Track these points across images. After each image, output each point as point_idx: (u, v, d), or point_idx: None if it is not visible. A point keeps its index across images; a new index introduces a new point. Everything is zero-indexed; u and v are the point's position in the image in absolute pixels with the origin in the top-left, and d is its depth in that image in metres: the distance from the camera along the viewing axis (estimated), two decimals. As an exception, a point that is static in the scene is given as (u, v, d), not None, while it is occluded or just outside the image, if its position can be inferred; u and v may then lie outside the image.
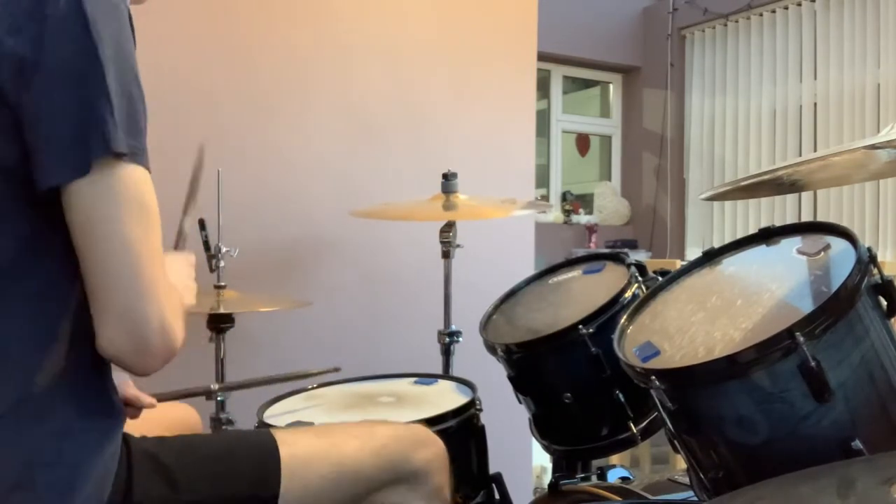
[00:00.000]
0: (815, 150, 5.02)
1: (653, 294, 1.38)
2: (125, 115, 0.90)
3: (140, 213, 0.91)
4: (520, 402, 1.74)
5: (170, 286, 0.95)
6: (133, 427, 1.17)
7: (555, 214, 5.76)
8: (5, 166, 0.89)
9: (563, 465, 1.82)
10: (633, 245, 5.70)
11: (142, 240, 0.90)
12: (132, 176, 0.91)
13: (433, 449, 1.22)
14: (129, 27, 0.94)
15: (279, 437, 1.11)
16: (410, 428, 1.27)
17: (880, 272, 1.11)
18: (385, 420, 1.32)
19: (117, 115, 0.89)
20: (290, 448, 1.09)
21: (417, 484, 1.18)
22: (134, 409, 1.28)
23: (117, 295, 0.89)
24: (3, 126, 0.88)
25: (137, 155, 0.92)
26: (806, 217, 4.97)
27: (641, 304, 1.36)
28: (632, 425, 1.56)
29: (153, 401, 1.31)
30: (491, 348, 1.66)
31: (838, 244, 1.19)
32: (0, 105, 0.87)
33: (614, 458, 2.73)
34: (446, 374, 2.04)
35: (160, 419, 1.33)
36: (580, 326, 1.52)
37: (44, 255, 0.92)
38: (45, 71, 0.87)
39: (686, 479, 1.39)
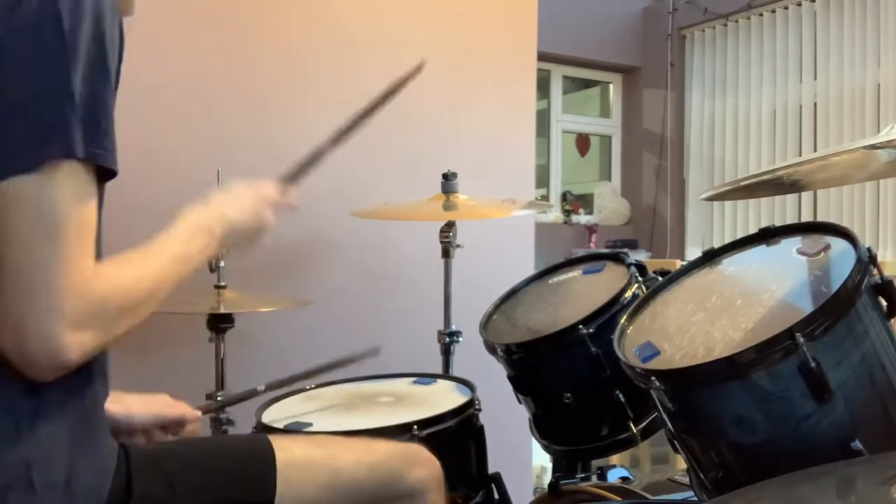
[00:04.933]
0: (815, 150, 5.02)
1: (653, 294, 1.38)
2: (88, 115, 0.88)
3: (54, 218, 0.86)
4: (520, 402, 1.74)
5: (85, 292, 0.88)
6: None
7: (555, 214, 5.76)
8: None
9: (563, 465, 1.82)
10: (633, 245, 5.69)
11: (46, 246, 0.86)
12: (68, 179, 0.87)
13: (429, 468, 1.21)
14: (109, 24, 0.92)
15: (276, 443, 1.10)
16: (407, 447, 1.27)
17: (880, 272, 1.11)
18: (384, 439, 1.30)
19: (80, 115, 0.87)
20: (287, 455, 1.09)
21: (412, 503, 1.17)
22: (181, 427, 1.27)
23: (7, 297, 0.86)
24: None
25: (96, 157, 0.88)
26: (806, 217, 4.96)
27: (641, 304, 1.36)
28: (632, 425, 1.56)
29: (198, 413, 1.31)
30: (491, 348, 1.66)
31: (838, 244, 1.19)
32: None
33: (614, 458, 2.73)
34: (445, 374, 2.04)
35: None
36: (580, 326, 1.52)
37: None
38: (6, 59, 0.85)
39: (686, 479, 1.39)
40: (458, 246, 2.13)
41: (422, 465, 1.21)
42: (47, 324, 0.86)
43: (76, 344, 0.88)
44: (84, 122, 0.87)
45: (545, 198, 5.80)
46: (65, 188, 0.87)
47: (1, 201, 0.85)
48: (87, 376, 0.96)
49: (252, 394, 1.61)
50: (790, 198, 5.06)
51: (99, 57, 0.90)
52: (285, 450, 1.10)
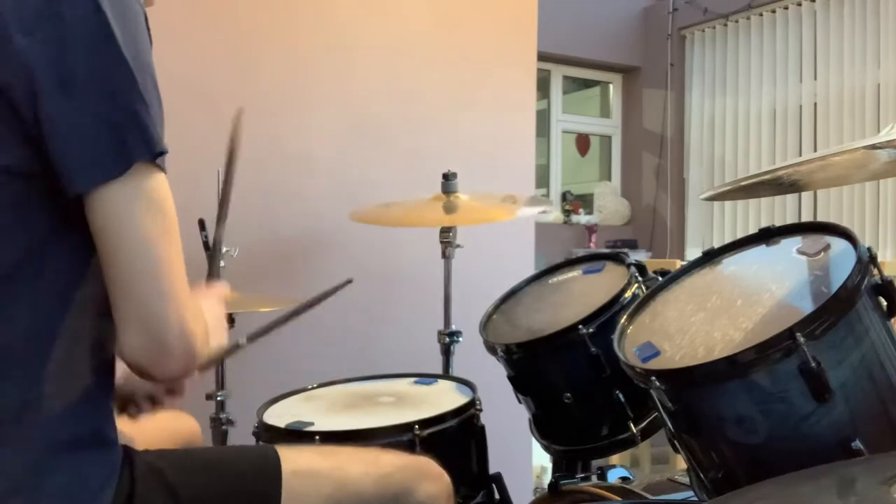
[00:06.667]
0: (815, 150, 5.02)
1: (653, 294, 1.38)
2: (153, 117, 0.89)
3: (162, 217, 0.89)
4: (520, 402, 1.74)
5: (190, 294, 0.93)
6: (134, 435, 1.17)
7: (555, 214, 5.76)
8: (27, 171, 0.87)
9: (563, 465, 1.81)
10: (633, 245, 5.70)
11: (162, 244, 0.88)
12: (158, 180, 0.90)
13: (439, 484, 1.18)
14: (145, 27, 0.93)
15: (283, 453, 1.09)
16: (418, 460, 1.23)
17: (880, 272, 1.11)
18: (393, 450, 1.26)
19: (151, 116, 0.88)
20: (293, 466, 1.08)
21: None
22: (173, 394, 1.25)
23: (138, 298, 0.88)
24: (19, 130, 0.86)
25: (163, 159, 0.91)
26: (806, 217, 4.96)
27: (641, 304, 1.36)
28: (632, 425, 1.56)
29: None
30: (491, 348, 1.66)
31: (838, 244, 1.19)
32: (12, 110, 0.85)
33: (614, 458, 2.73)
34: (446, 374, 2.04)
35: (161, 429, 1.32)
36: (580, 326, 1.52)
37: (52, 260, 0.91)
38: (69, 76, 0.84)
39: (686, 479, 1.39)
40: (458, 246, 2.13)
41: (432, 480, 1.18)
42: (180, 315, 0.89)
43: (200, 333, 0.92)
44: (154, 123, 0.89)
45: (545, 198, 5.80)
46: (157, 183, 0.90)
47: (101, 205, 0.86)
48: (96, 384, 0.96)
49: (235, 349, 1.59)
50: (790, 198, 5.06)
51: (145, 57, 0.91)
52: (291, 461, 1.08)
